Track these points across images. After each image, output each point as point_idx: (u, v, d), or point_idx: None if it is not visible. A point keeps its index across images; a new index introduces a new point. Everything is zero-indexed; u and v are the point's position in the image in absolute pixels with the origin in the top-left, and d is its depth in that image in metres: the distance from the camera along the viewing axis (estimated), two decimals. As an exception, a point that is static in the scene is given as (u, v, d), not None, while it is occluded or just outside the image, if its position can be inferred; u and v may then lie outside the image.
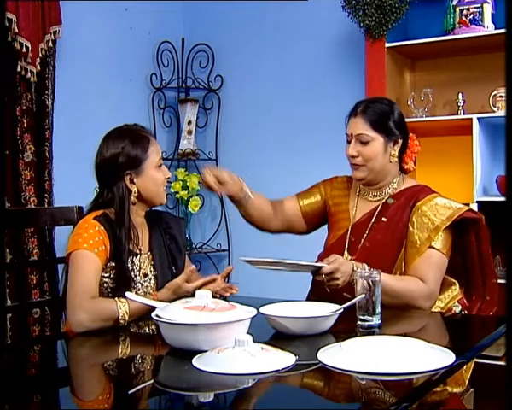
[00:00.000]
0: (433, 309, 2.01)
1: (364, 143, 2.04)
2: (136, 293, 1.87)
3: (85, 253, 1.81)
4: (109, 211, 1.91)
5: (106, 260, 1.85)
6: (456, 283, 2.08)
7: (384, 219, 2.07)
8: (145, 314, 1.75)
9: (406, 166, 2.15)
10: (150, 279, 1.96)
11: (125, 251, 1.87)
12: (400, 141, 2.08)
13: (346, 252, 2.08)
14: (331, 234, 2.19)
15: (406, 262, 2.01)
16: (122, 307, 1.75)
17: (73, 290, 1.79)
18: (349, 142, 2.09)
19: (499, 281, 2.78)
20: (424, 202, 2.04)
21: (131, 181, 1.92)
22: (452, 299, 2.05)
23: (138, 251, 1.95)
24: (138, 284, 1.92)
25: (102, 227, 1.85)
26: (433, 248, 1.99)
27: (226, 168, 3.90)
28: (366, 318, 1.67)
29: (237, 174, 3.87)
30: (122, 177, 1.91)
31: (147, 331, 1.78)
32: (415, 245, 2.00)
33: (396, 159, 2.08)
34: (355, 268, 1.86)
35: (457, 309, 2.06)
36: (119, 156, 1.91)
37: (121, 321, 1.75)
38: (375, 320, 1.67)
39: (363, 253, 2.04)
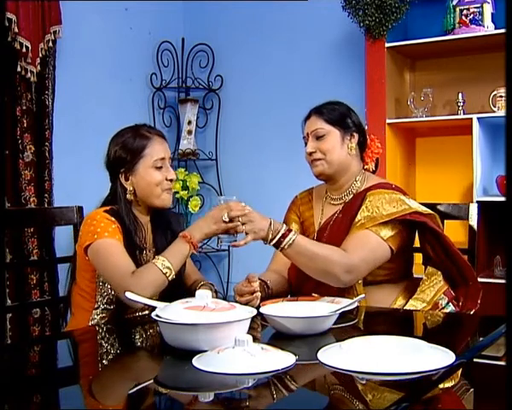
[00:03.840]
0: (419, 305, 2.00)
1: (321, 138, 2.08)
2: None
3: (108, 241, 1.85)
4: (116, 207, 1.97)
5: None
6: (439, 272, 2.06)
7: (340, 215, 2.10)
8: (184, 260, 1.89)
9: (366, 166, 2.17)
10: None
11: (132, 239, 1.93)
12: (356, 135, 2.12)
13: None
14: None
15: None
16: (163, 263, 1.81)
17: (116, 276, 1.82)
18: (306, 143, 2.13)
19: (499, 281, 2.79)
20: (373, 193, 2.04)
21: (126, 179, 1.97)
22: (438, 291, 2.04)
23: (144, 247, 1.99)
24: None
25: (114, 218, 1.91)
26: (372, 232, 1.97)
27: (226, 169, 3.93)
28: (229, 238, 1.90)
29: (237, 174, 3.90)
30: (118, 174, 1.98)
31: (147, 331, 1.78)
32: (354, 224, 2.00)
33: (354, 152, 2.11)
34: (271, 226, 1.90)
35: (444, 301, 2.04)
36: (114, 156, 1.99)
37: (168, 277, 1.82)
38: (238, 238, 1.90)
39: None
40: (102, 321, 1.91)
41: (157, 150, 1.99)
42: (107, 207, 1.95)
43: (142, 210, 2.01)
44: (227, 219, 1.87)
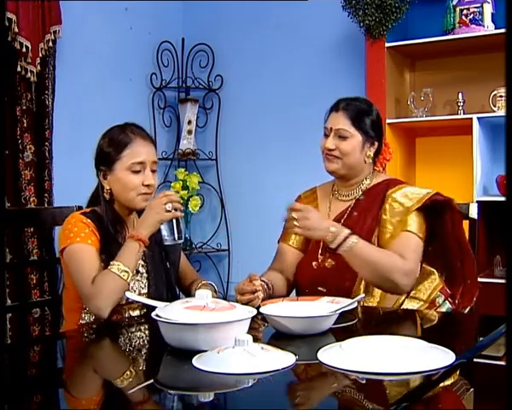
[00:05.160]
0: (416, 305, 2.02)
1: (343, 138, 2.08)
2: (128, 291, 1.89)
3: (80, 246, 1.86)
4: (99, 207, 1.97)
5: (99, 251, 1.89)
6: (435, 271, 2.08)
7: (355, 213, 2.11)
8: (138, 258, 1.88)
9: (376, 169, 2.19)
10: (142, 274, 1.96)
11: (112, 237, 1.92)
12: (376, 144, 2.13)
13: (319, 254, 2.10)
14: (309, 245, 2.19)
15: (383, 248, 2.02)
16: (119, 268, 1.81)
17: (80, 284, 1.83)
18: (326, 135, 2.13)
19: (499, 281, 2.79)
20: (394, 190, 2.09)
21: (104, 178, 1.97)
22: (434, 290, 2.06)
23: None
24: (130, 282, 1.91)
25: (89, 220, 1.90)
26: (409, 231, 2.01)
27: (226, 169, 3.93)
28: (171, 238, 1.90)
29: (237, 174, 3.90)
30: (98, 171, 1.98)
31: (147, 331, 1.78)
32: (389, 231, 2.03)
33: (371, 160, 2.13)
34: (332, 228, 1.91)
35: (441, 299, 2.06)
36: (98, 150, 1.98)
37: (127, 280, 1.82)
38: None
39: None
40: (91, 319, 1.89)
41: (136, 153, 1.93)
42: (87, 210, 1.96)
43: (123, 208, 1.99)
44: (170, 209, 1.87)
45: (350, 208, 2.13)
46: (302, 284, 2.14)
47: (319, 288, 2.04)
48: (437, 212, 2.06)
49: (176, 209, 1.89)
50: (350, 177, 2.13)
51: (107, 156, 1.95)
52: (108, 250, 1.88)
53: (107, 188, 1.96)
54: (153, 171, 1.97)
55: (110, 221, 1.94)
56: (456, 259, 2.08)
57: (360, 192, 2.14)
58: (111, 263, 1.83)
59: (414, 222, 2.02)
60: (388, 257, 1.95)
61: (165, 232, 1.92)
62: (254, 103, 3.89)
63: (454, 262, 2.08)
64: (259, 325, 1.70)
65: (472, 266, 2.07)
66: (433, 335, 1.80)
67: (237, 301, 1.82)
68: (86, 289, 1.81)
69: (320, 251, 2.11)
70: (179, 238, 1.92)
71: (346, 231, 1.92)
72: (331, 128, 2.11)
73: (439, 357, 1.31)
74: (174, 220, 1.90)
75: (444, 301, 2.06)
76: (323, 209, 2.20)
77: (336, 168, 2.11)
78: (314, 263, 2.11)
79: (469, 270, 2.06)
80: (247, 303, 1.83)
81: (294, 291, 2.20)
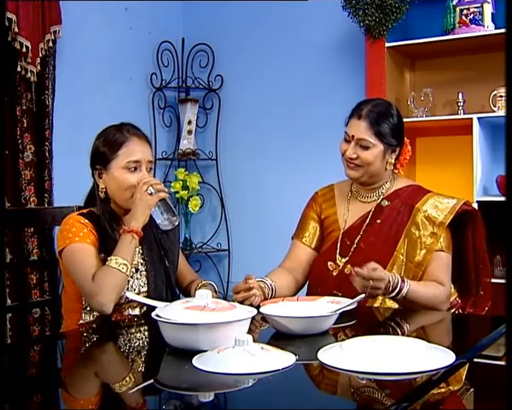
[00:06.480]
0: None
1: (364, 148, 2.05)
2: (128, 290, 1.89)
3: (79, 245, 1.86)
4: (96, 207, 1.98)
5: (98, 250, 1.89)
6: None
7: (378, 220, 2.09)
8: (134, 250, 1.88)
9: (396, 172, 2.19)
10: (141, 273, 1.97)
11: (109, 236, 1.92)
12: (398, 150, 2.12)
13: (337, 255, 2.09)
14: (324, 245, 2.19)
15: (419, 265, 2.02)
16: (117, 262, 1.81)
17: (81, 283, 1.83)
18: (347, 140, 2.09)
19: (499, 281, 2.79)
20: (423, 203, 2.07)
21: (100, 177, 1.97)
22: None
23: None
24: (130, 280, 1.92)
25: (87, 220, 1.91)
26: (442, 250, 2.03)
27: (226, 169, 3.93)
28: (164, 221, 1.92)
29: (237, 174, 3.90)
30: (93, 170, 1.99)
31: (147, 332, 1.78)
32: (425, 246, 2.02)
33: (392, 167, 2.12)
34: (390, 278, 1.89)
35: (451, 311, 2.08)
36: (94, 149, 1.99)
37: (126, 272, 1.82)
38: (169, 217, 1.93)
39: (357, 254, 2.06)
40: (91, 319, 1.90)
41: (132, 152, 1.94)
42: (84, 210, 1.97)
43: (119, 207, 1.99)
44: (152, 191, 1.90)
45: (371, 213, 2.11)
46: (317, 290, 2.08)
47: (335, 291, 2.02)
48: (460, 221, 2.07)
49: (158, 191, 1.90)
50: (370, 183, 2.12)
51: (102, 155, 1.95)
52: (107, 249, 1.88)
53: (103, 187, 1.96)
54: (148, 171, 1.98)
55: (107, 220, 1.94)
56: (471, 270, 2.10)
57: (380, 196, 2.13)
58: (108, 259, 1.83)
59: (445, 238, 2.04)
60: (433, 291, 1.98)
61: (158, 220, 1.93)
62: (254, 103, 3.89)
63: (469, 274, 2.10)
64: (259, 325, 1.70)
65: (488, 278, 2.10)
66: (433, 335, 1.80)
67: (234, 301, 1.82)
68: (87, 286, 1.81)
69: (338, 252, 2.10)
70: (174, 215, 1.93)
71: (399, 279, 1.92)
72: (353, 136, 2.06)
73: (439, 357, 1.31)
74: (161, 204, 1.92)
75: (454, 311, 2.07)
76: (341, 208, 2.18)
77: (357, 176, 2.09)
78: (329, 263, 2.10)
79: (484, 282, 2.09)
80: (242, 301, 1.84)
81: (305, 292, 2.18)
